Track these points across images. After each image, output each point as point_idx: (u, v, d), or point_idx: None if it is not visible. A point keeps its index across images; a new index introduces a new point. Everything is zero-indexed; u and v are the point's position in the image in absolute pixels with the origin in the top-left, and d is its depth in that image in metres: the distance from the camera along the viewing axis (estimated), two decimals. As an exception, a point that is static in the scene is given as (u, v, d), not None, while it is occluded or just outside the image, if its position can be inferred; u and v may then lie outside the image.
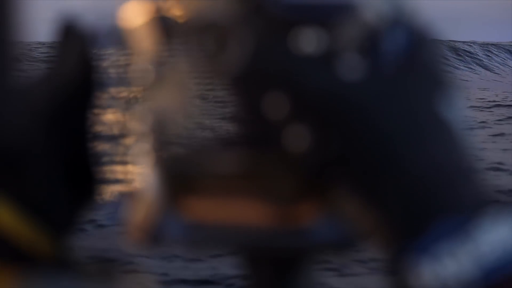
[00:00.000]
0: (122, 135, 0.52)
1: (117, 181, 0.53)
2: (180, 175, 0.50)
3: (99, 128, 0.50)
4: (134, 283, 0.43)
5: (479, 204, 0.43)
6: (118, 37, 0.51)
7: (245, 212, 0.49)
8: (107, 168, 0.50)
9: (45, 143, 0.45)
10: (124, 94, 0.51)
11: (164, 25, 0.49)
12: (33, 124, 0.45)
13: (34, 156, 0.44)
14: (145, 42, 0.50)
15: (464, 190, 0.43)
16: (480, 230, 0.42)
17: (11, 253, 0.42)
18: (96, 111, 0.50)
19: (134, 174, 0.52)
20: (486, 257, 0.42)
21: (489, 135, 8.66)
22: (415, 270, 0.42)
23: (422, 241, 0.43)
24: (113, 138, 0.52)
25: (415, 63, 0.45)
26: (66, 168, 0.46)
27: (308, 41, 0.44)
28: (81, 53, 0.48)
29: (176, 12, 0.49)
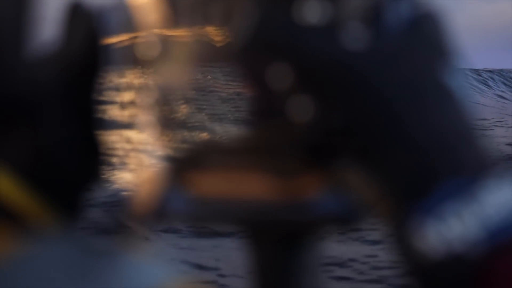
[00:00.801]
0: (129, 112, 0.52)
1: (123, 158, 0.53)
2: (185, 150, 0.50)
3: (105, 106, 0.50)
4: (136, 251, 0.44)
5: (483, 166, 0.44)
6: (125, 12, 0.51)
7: (249, 186, 0.49)
8: (113, 144, 0.50)
9: (55, 111, 0.46)
10: (131, 70, 0.52)
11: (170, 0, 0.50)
12: (46, 85, 0.45)
13: (46, 116, 0.45)
14: (152, 18, 0.50)
15: (467, 153, 0.44)
16: (484, 192, 0.43)
17: (9, 218, 0.43)
18: (102, 88, 0.50)
19: (140, 151, 0.52)
20: (491, 218, 0.43)
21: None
22: (420, 232, 0.43)
23: (427, 203, 0.43)
24: (120, 115, 0.53)
25: (418, 33, 0.46)
26: (75, 138, 0.47)
27: (313, 11, 0.45)
28: (88, 30, 0.49)
29: None
